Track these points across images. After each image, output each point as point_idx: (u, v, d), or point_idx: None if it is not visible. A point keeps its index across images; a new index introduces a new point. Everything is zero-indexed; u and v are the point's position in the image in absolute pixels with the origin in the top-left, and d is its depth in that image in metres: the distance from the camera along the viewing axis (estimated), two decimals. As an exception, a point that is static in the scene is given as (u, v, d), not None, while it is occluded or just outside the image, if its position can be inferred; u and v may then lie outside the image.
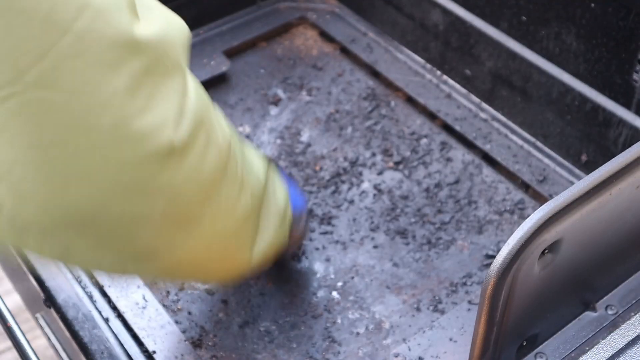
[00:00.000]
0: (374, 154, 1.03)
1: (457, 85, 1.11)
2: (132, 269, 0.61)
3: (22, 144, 0.47)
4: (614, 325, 0.64)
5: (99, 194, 0.51)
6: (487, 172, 1.00)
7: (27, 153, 0.48)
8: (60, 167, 0.49)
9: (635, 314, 0.64)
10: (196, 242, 0.60)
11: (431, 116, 1.08)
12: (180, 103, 0.53)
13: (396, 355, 0.80)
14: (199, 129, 0.55)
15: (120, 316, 0.81)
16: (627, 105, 0.90)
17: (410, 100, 1.11)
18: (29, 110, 0.46)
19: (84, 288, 0.82)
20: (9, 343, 1.37)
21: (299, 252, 0.92)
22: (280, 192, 0.74)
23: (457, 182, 0.99)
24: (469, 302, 0.84)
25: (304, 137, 1.06)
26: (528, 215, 0.66)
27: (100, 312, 0.80)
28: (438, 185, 0.99)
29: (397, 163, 1.02)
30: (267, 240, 0.71)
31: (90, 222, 0.52)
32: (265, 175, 0.71)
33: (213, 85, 1.13)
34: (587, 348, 0.62)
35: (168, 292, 0.87)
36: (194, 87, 0.57)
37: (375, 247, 0.92)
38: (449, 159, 1.02)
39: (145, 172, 0.52)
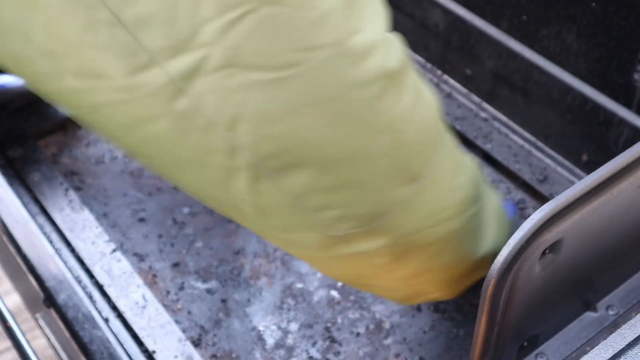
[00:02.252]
0: (374, 154, 1.03)
1: (458, 85, 1.11)
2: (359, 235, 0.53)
3: (257, 67, 0.45)
4: (615, 325, 0.64)
5: (328, 121, 0.47)
6: (488, 171, 1.00)
7: (263, 76, 0.46)
8: (292, 90, 0.46)
9: (637, 314, 0.64)
10: (420, 209, 0.53)
11: (431, 116, 1.08)
12: (385, 29, 0.50)
13: (396, 355, 0.80)
14: (406, 67, 0.51)
15: (120, 316, 0.81)
16: (628, 105, 0.90)
17: (410, 100, 1.11)
18: (263, 27, 0.45)
19: (83, 288, 0.82)
20: (8, 343, 1.37)
21: None
22: (493, 191, 0.66)
23: (457, 181, 0.99)
24: (470, 302, 0.84)
25: (304, 136, 1.06)
26: (529, 215, 0.66)
27: (100, 312, 0.80)
28: (438, 185, 0.99)
29: (397, 163, 1.02)
30: (491, 237, 0.62)
31: (319, 159, 0.48)
32: (472, 161, 0.63)
33: (213, 84, 1.13)
34: (588, 348, 0.62)
35: (168, 292, 0.87)
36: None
37: (375, 247, 0.92)
38: (449, 159, 1.02)
39: (367, 94, 0.48)
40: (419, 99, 0.53)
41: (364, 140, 0.49)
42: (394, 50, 0.50)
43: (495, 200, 0.65)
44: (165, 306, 0.85)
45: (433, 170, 0.54)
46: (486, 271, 0.55)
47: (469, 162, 0.61)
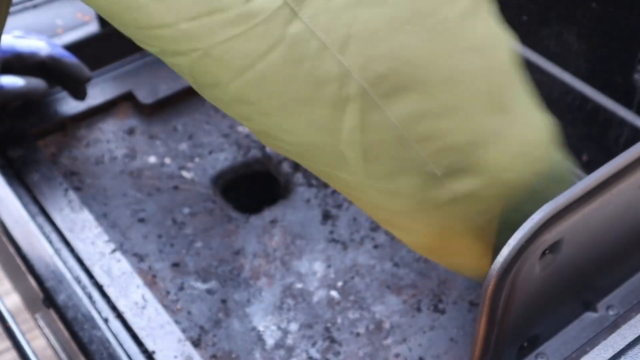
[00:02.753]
0: (374, 154, 1.03)
1: (458, 85, 1.11)
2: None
3: None
4: (615, 325, 0.64)
5: (428, 37, 0.49)
6: (488, 172, 1.00)
7: None
8: (394, 5, 0.48)
9: (637, 315, 0.64)
10: (511, 145, 0.54)
11: (431, 116, 1.08)
12: None
13: (396, 356, 0.80)
14: None
15: (119, 316, 0.81)
16: (628, 105, 0.90)
17: (410, 100, 1.11)
18: None
19: (83, 288, 0.82)
20: (8, 343, 1.37)
21: None
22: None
23: (457, 182, 0.99)
24: (470, 302, 0.84)
25: (304, 136, 1.06)
26: (529, 216, 0.66)
27: (99, 313, 0.80)
28: (438, 185, 0.99)
29: (397, 163, 1.02)
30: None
31: (418, 79, 0.49)
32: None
33: (213, 84, 1.13)
34: (588, 349, 0.62)
35: (167, 292, 0.87)
36: None
37: (375, 246, 0.92)
38: (449, 159, 1.02)
39: (457, 10, 0.51)
40: (500, 27, 0.56)
41: (458, 59, 0.50)
42: None
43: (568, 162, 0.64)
44: (165, 306, 0.85)
45: (520, 103, 0.56)
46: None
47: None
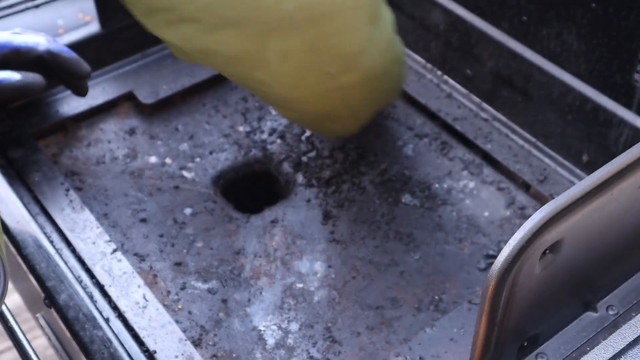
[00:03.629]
0: (375, 154, 1.03)
1: (458, 85, 1.11)
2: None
3: None
4: (615, 325, 0.64)
5: None
6: (488, 172, 1.00)
7: None
8: None
9: (637, 315, 0.64)
10: (378, 44, 0.83)
11: (432, 116, 1.08)
12: None
13: (397, 355, 0.80)
14: None
15: (120, 316, 0.81)
16: (628, 105, 0.90)
17: (410, 100, 1.11)
18: None
19: (84, 288, 0.82)
20: (9, 343, 1.37)
21: None
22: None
23: (457, 181, 0.99)
24: (470, 302, 0.84)
25: (305, 136, 1.06)
26: (529, 216, 0.66)
27: (100, 312, 0.80)
28: (439, 185, 0.99)
29: (397, 163, 1.02)
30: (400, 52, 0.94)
31: None
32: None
33: (213, 85, 1.13)
34: (588, 348, 0.62)
35: (168, 292, 0.87)
36: None
37: (375, 246, 0.92)
38: (449, 159, 1.02)
39: None
40: None
41: None
42: None
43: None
44: (166, 306, 0.85)
45: (382, 9, 0.82)
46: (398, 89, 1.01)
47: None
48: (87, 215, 0.91)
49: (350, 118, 0.93)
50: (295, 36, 0.75)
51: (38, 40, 0.98)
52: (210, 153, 1.04)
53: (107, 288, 0.83)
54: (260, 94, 0.89)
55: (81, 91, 1.03)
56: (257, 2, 0.73)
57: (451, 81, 1.12)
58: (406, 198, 0.98)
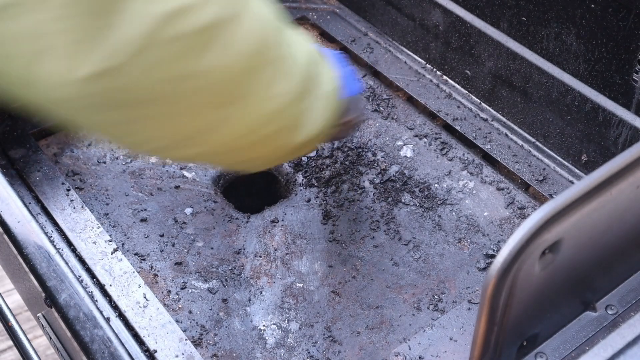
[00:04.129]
0: (374, 154, 1.03)
1: (458, 85, 1.11)
2: (180, 154, 0.68)
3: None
4: (614, 325, 0.64)
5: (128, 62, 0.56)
6: (487, 171, 1.01)
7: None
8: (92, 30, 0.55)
9: (635, 314, 0.64)
10: (237, 124, 0.65)
11: (431, 116, 1.09)
12: None
13: (396, 355, 0.80)
14: (242, 9, 0.61)
15: (121, 315, 0.81)
16: (627, 105, 0.90)
17: (410, 100, 1.12)
18: None
19: (85, 288, 0.82)
20: (10, 342, 1.37)
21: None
22: (327, 76, 0.74)
23: (457, 181, 1.00)
24: (469, 301, 0.84)
25: (305, 136, 1.06)
26: (528, 215, 0.66)
27: (101, 312, 0.80)
28: (438, 185, 0.99)
29: (397, 163, 1.02)
30: (314, 123, 0.73)
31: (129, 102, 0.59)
32: (309, 59, 0.71)
33: (214, 85, 1.13)
34: (587, 348, 0.63)
35: (169, 292, 0.87)
36: None
37: (375, 246, 0.92)
38: (449, 159, 1.03)
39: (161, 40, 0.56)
40: (231, 33, 0.61)
41: (160, 84, 0.59)
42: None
43: (328, 86, 0.74)
44: (166, 306, 0.85)
45: (249, 91, 0.65)
46: (312, 148, 0.82)
47: (294, 61, 0.69)
48: (87, 215, 0.91)
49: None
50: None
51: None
52: (211, 153, 1.04)
53: (107, 288, 0.83)
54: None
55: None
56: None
57: (451, 81, 1.12)
58: (406, 198, 0.98)
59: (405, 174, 1.01)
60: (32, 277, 0.84)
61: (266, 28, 0.64)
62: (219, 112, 0.63)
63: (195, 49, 0.58)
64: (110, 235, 0.90)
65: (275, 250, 0.92)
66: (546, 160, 1.01)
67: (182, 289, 0.87)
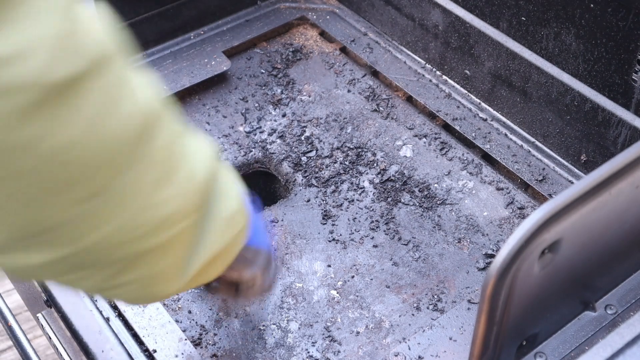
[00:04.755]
0: (374, 154, 1.03)
1: (457, 85, 1.11)
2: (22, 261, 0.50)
3: None
4: (613, 324, 0.64)
5: None
6: (487, 171, 1.01)
7: None
8: None
9: (635, 314, 0.64)
10: (108, 228, 0.50)
11: (431, 116, 1.09)
12: (62, 28, 0.42)
13: (396, 355, 0.80)
14: (96, 71, 0.44)
15: (120, 315, 0.81)
16: (626, 105, 0.90)
17: (410, 100, 1.12)
18: None
19: (84, 287, 0.82)
20: (9, 343, 1.38)
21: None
22: (230, 196, 0.61)
23: (456, 181, 1.00)
24: (469, 301, 0.84)
25: (305, 136, 1.06)
26: (528, 215, 0.66)
27: (100, 312, 0.80)
28: (438, 185, 0.99)
29: (397, 163, 1.02)
30: (207, 251, 0.58)
31: None
32: (210, 174, 0.57)
33: (213, 85, 1.13)
34: (587, 347, 0.63)
35: (168, 292, 0.87)
36: (97, 18, 0.46)
37: (375, 246, 0.92)
38: (448, 159, 1.03)
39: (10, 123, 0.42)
40: (106, 112, 0.47)
41: (10, 158, 0.44)
42: (72, 52, 0.43)
43: (229, 204, 0.60)
44: (166, 306, 0.85)
45: (122, 185, 0.50)
46: (208, 278, 0.59)
47: (198, 167, 0.56)
48: (87, 215, 0.91)
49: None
50: None
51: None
52: (210, 153, 1.04)
53: (107, 288, 0.83)
54: None
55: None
56: None
57: (450, 81, 1.12)
58: (405, 198, 0.98)
59: (404, 173, 1.01)
60: (31, 277, 0.84)
61: (152, 110, 0.50)
62: (76, 204, 0.48)
63: (34, 112, 0.43)
64: (109, 235, 0.90)
65: (275, 250, 0.92)
66: (545, 160, 1.01)
67: (181, 289, 0.87)
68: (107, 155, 0.48)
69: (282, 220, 0.95)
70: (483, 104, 1.08)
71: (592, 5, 0.88)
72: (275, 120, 1.08)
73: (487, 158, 1.03)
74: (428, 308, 0.86)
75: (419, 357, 0.79)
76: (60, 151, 0.45)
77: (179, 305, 0.86)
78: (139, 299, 0.60)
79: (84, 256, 0.51)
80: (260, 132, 1.07)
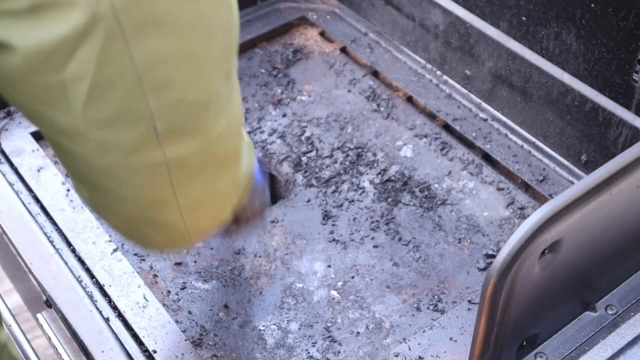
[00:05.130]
0: (374, 154, 1.03)
1: (457, 85, 1.11)
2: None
3: None
4: (613, 325, 0.64)
5: None
6: (487, 171, 1.01)
7: None
8: None
9: (635, 314, 0.64)
10: (227, 112, 0.56)
11: (431, 116, 1.09)
12: None
13: (396, 355, 0.80)
14: None
15: (120, 316, 0.81)
16: (627, 105, 0.90)
17: (410, 100, 1.11)
18: None
19: (84, 288, 0.82)
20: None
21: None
22: (248, 147, 0.67)
23: (457, 181, 1.00)
24: (469, 301, 0.84)
25: (305, 136, 1.06)
26: (528, 215, 0.66)
27: (100, 312, 0.80)
28: (438, 185, 0.99)
29: (397, 163, 1.02)
30: (247, 170, 0.65)
31: None
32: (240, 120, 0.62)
33: (213, 85, 1.13)
34: (587, 348, 0.63)
35: (169, 292, 0.87)
36: None
37: (375, 246, 0.92)
38: (449, 159, 1.02)
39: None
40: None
41: (207, 8, 0.50)
42: None
43: (245, 136, 0.67)
44: (166, 306, 0.85)
45: (234, 75, 0.56)
46: (240, 203, 0.66)
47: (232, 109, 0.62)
48: (87, 215, 0.91)
49: (176, 219, 0.60)
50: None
51: None
52: (210, 153, 1.04)
53: (107, 288, 0.83)
54: (65, 158, 0.56)
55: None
56: None
57: (451, 81, 1.12)
58: (406, 198, 0.98)
59: (405, 174, 1.01)
60: (31, 277, 0.84)
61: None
62: (222, 81, 0.55)
63: None
64: (109, 236, 0.90)
65: (275, 250, 0.92)
66: (546, 160, 1.00)
67: (181, 289, 0.87)
68: (235, 34, 0.54)
69: (282, 221, 0.95)
70: (483, 104, 1.08)
71: (592, 5, 0.88)
72: (275, 121, 1.08)
73: (488, 158, 1.03)
74: (428, 308, 0.86)
75: (419, 357, 0.79)
76: (230, 8, 0.53)
77: (179, 306, 0.86)
78: (209, 220, 0.63)
79: (206, 150, 0.55)
80: (261, 132, 1.07)
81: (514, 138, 1.03)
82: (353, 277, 0.89)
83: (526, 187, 0.99)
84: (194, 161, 0.55)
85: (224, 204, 0.63)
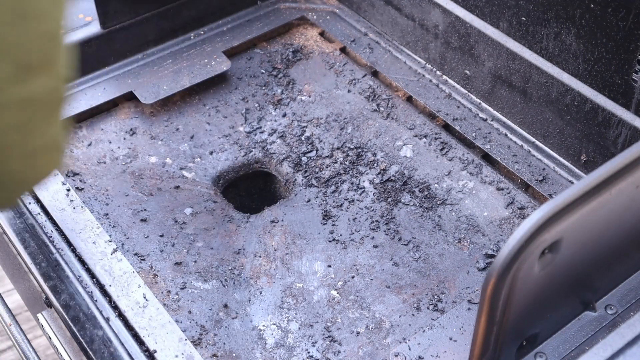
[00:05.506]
0: (374, 154, 1.03)
1: (457, 85, 1.11)
2: None
3: None
4: (613, 324, 0.64)
5: None
6: (487, 171, 1.01)
7: None
8: None
9: (635, 314, 0.65)
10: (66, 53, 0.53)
11: (431, 116, 1.09)
12: None
13: (396, 355, 0.80)
14: None
15: (120, 315, 0.81)
16: (626, 105, 0.90)
17: (410, 100, 1.12)
18: None
19: (84, 288, 0.82)
20: (9, 343, 1.38)
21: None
22: None
23: (457, 181, 1.00)
24: (469, 301, 0.84)
25: (305, 136, 1.06)
26: (528, 215, 0.66)
27: (100, 312, 0.80)
28: (438, 185, 0.99)
29: (397, 163, 1.02)
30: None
31: None
32: None
33: (213, 85, 1.13)
34: (587, 347, 0.63)
35: (169, 292, 0.87)
36: None
37: (375, 246, 0.92)
38: (449, 159, 1.03)
39: None
40: None
41: None
42: None
43: None
44: (166, 306, 0.85)
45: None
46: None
47: None
48: (87, 215, 0.91)
49: (18, 165, 0.57)
50: None
51: None
52: (211, 153, 1.04)
53: (107, 288, 0.83)
54: None
55: None
56: None
57: (450, 81, 1.12)
58: (406, 198, 0.98)
59: (405, 174, 1.01)
60: (32, 277, 0.84)
61: None
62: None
63: None
64: (110, 236, 0.90)
65: (275, 250, 0.92)
66: (546, 160, 1.01)
67: (182, 289, 0.87)
68: None
69: (282, 221, 0.95)
70: (483, 104, 1.08)
71: (592, 5, 0.88)
72: (275, 121, 1.08)
73: (487, 158, 1.03)
74: (428, 308, 0.86)
75: (419, 357, 0.79)
76: None
77: (179, 306, 0.86)
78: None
79: (61, 86, 0.54)
80: (261, 132, 1.07)
81: (514, 138, 1.04)
82: (353, 277, 0.89)
83: (526, 187, 0.99)
84: (46, 99, 0.54)
85: (59, 149, 0.59)
